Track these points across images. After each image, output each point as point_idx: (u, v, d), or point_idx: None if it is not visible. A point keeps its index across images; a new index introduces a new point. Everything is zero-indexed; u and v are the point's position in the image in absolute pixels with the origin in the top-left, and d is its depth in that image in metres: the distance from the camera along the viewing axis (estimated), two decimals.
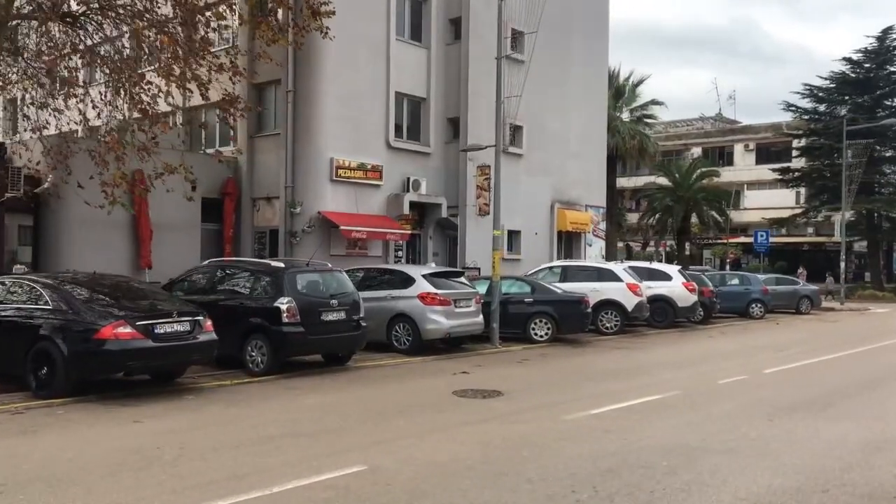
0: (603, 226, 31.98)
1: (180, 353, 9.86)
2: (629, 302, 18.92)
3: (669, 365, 14.02)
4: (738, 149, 62.10)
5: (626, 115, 39.89)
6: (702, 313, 23.08)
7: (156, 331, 9.48)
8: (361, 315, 12.08)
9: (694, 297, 21.13)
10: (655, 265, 22.13)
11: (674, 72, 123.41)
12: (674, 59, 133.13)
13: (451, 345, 15.31)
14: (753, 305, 26.18)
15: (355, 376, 11.69)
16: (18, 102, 19.44)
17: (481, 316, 14.98)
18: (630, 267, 21.44)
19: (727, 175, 60.32)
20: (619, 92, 39.65)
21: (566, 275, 19.74)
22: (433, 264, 16.20)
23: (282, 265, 11.92)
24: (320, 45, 22.57)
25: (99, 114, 17.75)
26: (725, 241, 46.77)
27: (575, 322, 16.93)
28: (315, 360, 12.71)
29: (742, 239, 58.69)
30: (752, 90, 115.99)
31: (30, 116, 18.21)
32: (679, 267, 22.22)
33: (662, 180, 47.43)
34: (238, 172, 24.26)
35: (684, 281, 21.21)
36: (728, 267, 43.87)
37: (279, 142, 23.03)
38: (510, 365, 13.41)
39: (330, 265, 12.48)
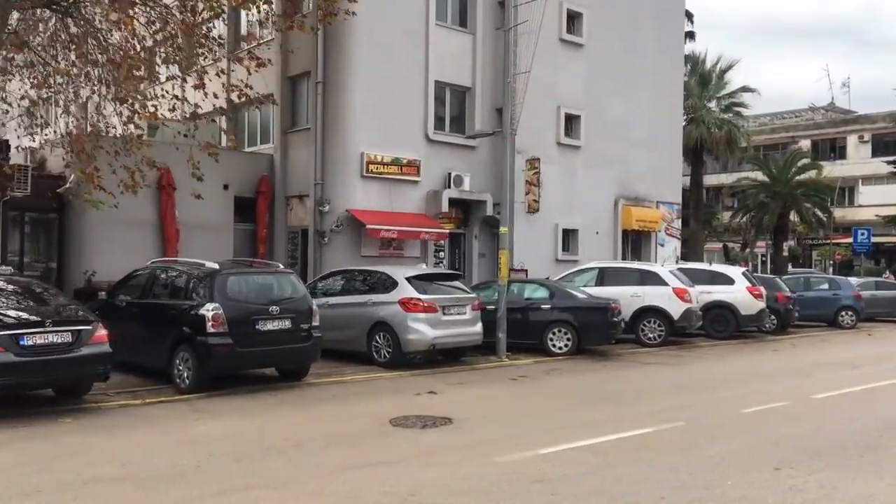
0: (678, 224, 29.16)
1: (56, 369, 8.52)
2: (675, 309, 16.48)
3: (697, 386, 11.72)
4: (852, 140, 56.83)
5: (713, 105, 36.62)
6: (775, 322, 20.22)
7: (22, 342, 8.20)
8: (314, 324, 10.46)
9: (761, 304, 18.36)
10: (717, 267, 19.47)
11: (799, 64, 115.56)
12: (798, 52, 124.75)
13: (450, 357, 13.50)
14: (843, 313, 22.88)
15: (295, 396, 10.11)
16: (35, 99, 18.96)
17: (479, 324, 13.07)
18: (684, 269, 18.95)
19: (839, 169, 55.28)
20: (705, 79, 36.49)
21: (603, 278, 17.48)
22: (424, 266, 14.41)
23: (216, 266, 10.49)
24: (351, 33, 21.26)
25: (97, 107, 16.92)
26: (830, 241, 42.42)
27: (599, 332, 14.73)
28: (269, 375, 11.21)
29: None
30: (876, 80, 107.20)
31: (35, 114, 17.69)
32: (744, 269, 19.46)
33: (760, 176, 43.51)
34: (273, 170, 23.23)
35: (749, 285, 18.48)
36: (832, 270, 39.76)
37: (310, 137, 21.80)
38: (499, 383, 11.49)
39: (281, 266, 10.93)
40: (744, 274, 18.75)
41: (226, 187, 22.47)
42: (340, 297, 13.08)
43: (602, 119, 26.19)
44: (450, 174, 23.04)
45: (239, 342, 9.83)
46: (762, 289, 18.63)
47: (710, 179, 58.73)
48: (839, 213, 55.40)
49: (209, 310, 9.76)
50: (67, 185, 20.06)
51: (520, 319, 14.81)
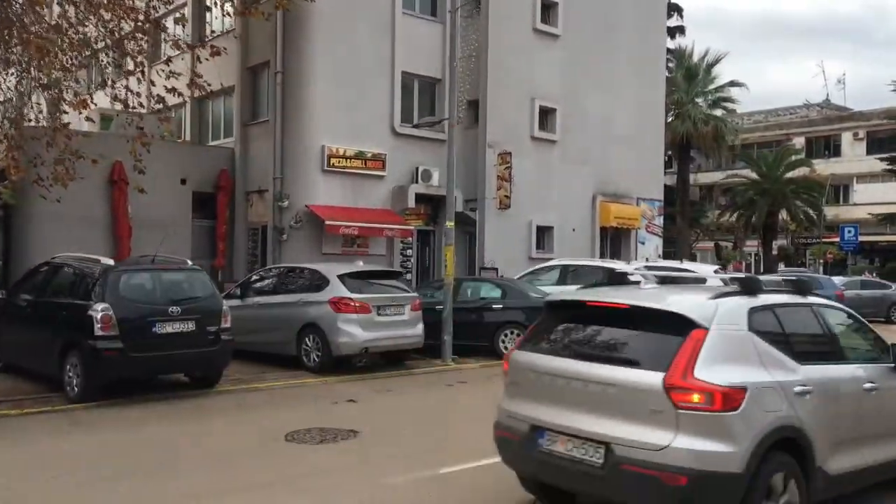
0: (660, 221, 28.26)
1: None
2: None
3: None
4: (847, 138, 55.77)
5: (700, 100, 35.71)
6: None
7: None
8: (224, 326, 9.58)
9: None
10: (687, 265, 18.56)
11: (801, 63, 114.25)
12: (801, 50, 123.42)
13: (393, 361, 12.62)
14: None
15: (194, 406, 9.21)
16: None
17: (420, 326, 12.17)
18: (652, 267, 18.02)
19: (833, 167, 54.27)
20: (692, 73, 35.58)
21: (565, 276, 16.57)
22: (360, 263, 13.53)
23: (110, 262, 9.63)
24: (311, 21, 20.43)
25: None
26: (822, 240, 41.49)
27: None
28: (180, 381, 10.33)
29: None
30: (872, 77, 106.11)
31: None
32: (716, 267, 18.54)
33: (751, 174, 42.55)
34: (233, 164, 22.36)
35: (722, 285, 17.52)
36: (821, 269, 38.86)
37: (270, 129, 20.94)
38: (431, 390, 10.62)
39: (190, 262, 10.06)
40: (716, 272, 17.83)
41: (183, 182, 21.63)
42: (271, 296, 12.22)
43: (579, 112, 25.30)
44: (417, 169, 22.19)
45: (132, 346, 8.93)
46: None
47: (704, 178, 57.92)
48: (833, 212, 54.41)
49: (98, 310, 8.87)
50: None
51: (472, 320, 13.92)
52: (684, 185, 36.99)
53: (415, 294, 12.26)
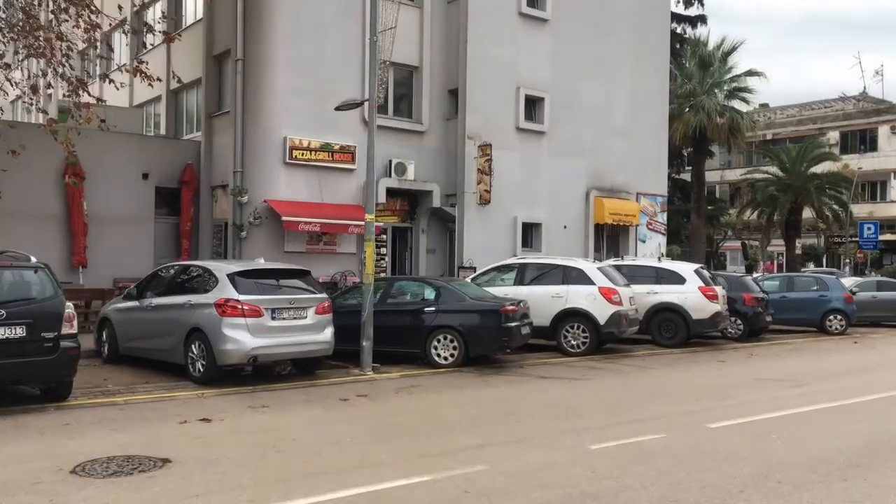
0: (662, 218, 26.54)
1: None
2: (601, 312, 14.01)
3: (565, 412, 9.33)
4: (883, 131, 53.09)
5: (716, 91, 33.71)
6: (741, 327, 17.61)
7: None
8: (68, 332, 8.38)
9: (715, 307, 15.76)
10: (666, 264, 16.91)
11: (845, 59, 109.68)
12: (847, 47, 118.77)
13: (304, 370, 11.33)
14: (831, 317, 20.03)
15: (19, 423, 7.96)
16: None
17: (328, 331, 10.84)
18: (626, 265, 16.47)
19: (869, 162, 51.68)
20: (705, 62, 33.59)
21: (523, 276, 15.09)
22: (261, 260, 12.25)
23: None
24: (273, 5, 19.33)
25: None
26: (850, 239, 39.11)
27: (489, 339, 12.36)
28: (29, 394, 9.16)
29: (888, 236, 50.02)
30: None
31: None
32: (697, 266, 16.87)
33: (775, 170, 40.35)
34: (199, 158, 21.34)
35: (702, 285, 15.91)
36: (848, 269, 36.56)
37: (232, 120, 19.83)
38: (317, 406, 9.23)
39: (35, 259, 8.87)
40: (697, 272, 16.19)
41: (145, 177, 20.68)
42: (164, 297, 11.04)
43: (571, 102, 23.74)
44: (391, 162, 20.93)
45: None
46: (718, 289, 16.03)
47: (731, 174, 55.59)
48: (868, 209, 51.78)
49: None
50: None
51: (402, 325, 12.58)
52: (699, 180, 35.01)
53: (322, 296, 10.93)
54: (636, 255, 24.55)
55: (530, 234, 23.10)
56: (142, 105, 25.67)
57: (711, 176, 56.87)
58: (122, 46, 26.65)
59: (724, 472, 6.71)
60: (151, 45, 23.17)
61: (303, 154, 19.50)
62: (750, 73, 33.66)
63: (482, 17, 21.80)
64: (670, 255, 38.93)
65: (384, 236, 21.49)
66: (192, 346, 10.14)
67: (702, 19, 43.58)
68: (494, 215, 21.91)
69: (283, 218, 18.38)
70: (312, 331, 10.59)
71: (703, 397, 10.40)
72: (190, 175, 20.96)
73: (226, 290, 10.10)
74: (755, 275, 29.28)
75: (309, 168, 19.65)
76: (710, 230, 47.63)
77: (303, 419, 8.50)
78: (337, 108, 13.17)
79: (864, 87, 61.27)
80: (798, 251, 37.86)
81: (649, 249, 25.58)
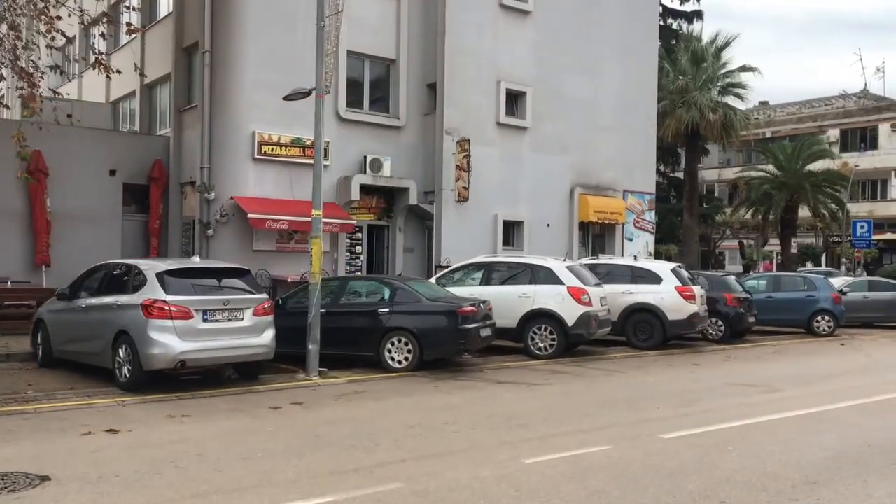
0: (650, 216, 25.85)
1: None
2: (569, 313, 13.37)
3: (512, 421, 8.66)
4: (884, 129, 52.29)
5: (709, 86, 32.97)
6: (722, 329, 16.93)
7: None
8: None
9: (692, 307, 15.09)
10: (642, 263, 16.22)
11: (851, 57, 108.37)
12: (854, 46, 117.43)
13: (246, 375, 10.70)
14: (819, 318, 19.33)
15: None
16: None
17: (268, 333, 10.19)
18: (601, 264, 15.84)
19: (869, 160, 50.89)
20: (698, 57, 32.86)
21: (490, 275, 14.44)
22: (196, 258, 11.62)
23: None
24: None
25: None
26: (847, 238, 38.34)
27: (444, 342, 11.71)
28: None
29: (888, 235, 49.22)
30: None
31: None
32: (674, 265, 16.20)
33: (771, 168, 39.57)
34: (168, 154, 20.75)
35: (679, 284, 15.24)
36: (844, 268, 35.78)
37: (200, 115, 19.23)
38: (242, 415, 8.60)
39: None
40: (674, 271, 15.51)
41: (112, 173, 20.10)
42: (95, 297, 10.42)
43: (555, 97, 23.08)
44: (366, 158, 20.30)
45: None
46: (696, 289, 15.35)
47: (729, 173, 54.76)
48: (868, 208, 50.97)
49: None
50: None
51: (354, 326, 11.94)
52: (692, 178, 34.28)
53: (261, 296, 10.28)
54: (623, 254, 23.90)
55: (512, 232, 22.45)
56: (118, 101, 25.17)
57: (710, 174, 56.24)
58: (99, 41, 26.09)
59: (664, 489, 6.07)
60: (127, 38, 22.69)
61: (272, 149, 18.88)
62: (744, 68, 32.94)
63: (461, 9, 21.16)
64: (667, 254, 38.33)
65: (360, 235, 20.93)
66: (120, 349, 9.53)
67: (698, 15, 43.01)
68: (474, 213, 21.27)
69: (250, 215, 17.77)
70: (249, 333, 9.96)
71: (665, 404, 9.74)
72: (159, 171, 20.38)
73: (153, 291, 9.48)
74: (753, 275, 28.60)
75: (279, 164, 19.03)
76: (707, 229, 46.94)
77: (220, 430, 7.87)
78: (285, 98, 12.60)
79: (866, 85, 60.54)
80: (794, 250, 37.10)
81: (637, 248, 24.89)
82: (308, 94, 12.25)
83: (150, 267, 9.97)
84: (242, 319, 9.91)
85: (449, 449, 7.33)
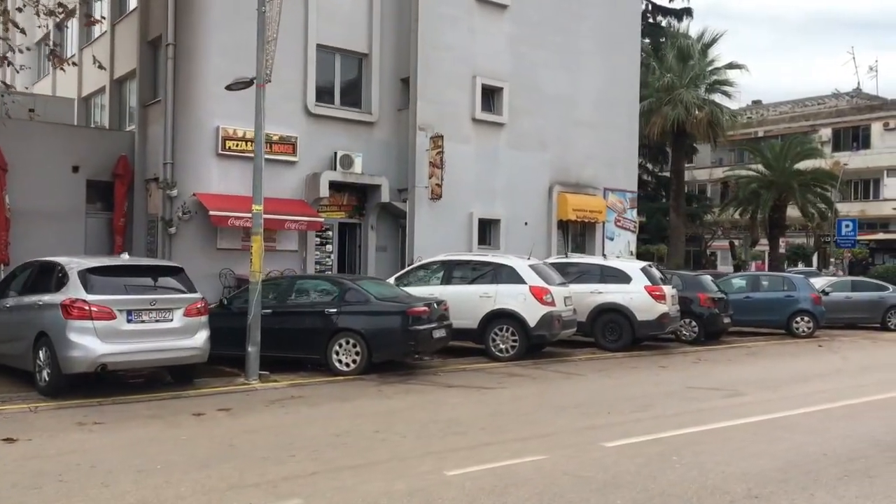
0: (632, 215, 25.34)
1: None
2: (531, 314, 12.86)
3: (445, 428, 8.20)
4: (876, 128, 51.78)
5: (695, 83, 32.45)
6: (696, 329, 16.42)
7: None
8: None
9: (662, 308, 14.57)
10: (611, 262, 15.69)
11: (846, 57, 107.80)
12: (850, 46, 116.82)
13: (179, 378, 10.17)
14: (798, 319, 18.83)
15: None
16: None
17: (200, 335, 9.64)
18: (569, 263, 15.32)
19: (861, 160, 50.37)
20: (685, 54, 32.34)
21: (451, 274, 13.92)
22: (126, 255, 11.09)
23: None
24: None
25: None
26: (830, 237, 37.79)
27: (393, 344, 11.19)
28: None
29: (880, 235, 48.71)
30: None
31: None
32: (644, 264, 15.69)
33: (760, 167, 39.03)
34: (133, 150, 20.20)
35: (648, 284, 14.73)
36: (833, 268, 35.26)
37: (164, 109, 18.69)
38: (157, 423, 8.08)
39: None
40: (644, 270, 15.00)
41: (75, 169, 19.54)
42: (19, 297, 9.89)
43: (533, 93, 22.56)
44: (336, 154, 19.77)
45: None
46: (666, 289, 14.84)
47: (719, 172, 54.23)
48: (860, 208, 50.50)
49: None
50: None
51: (300, 327, 11.43)
52: (678, 176, 33.76)
53: (194, 296, 9.74)
54: (603, 254, 23.36)
55: (488, 230, 21.92)
56: (89, 97, 24.64)
57: (701, 174, 55.74)
58: (73, 36, 25.61)
59: None
60: (97, 32, 22.25)
61: (237, 145, 18.36)
62: (731, 65, 32.46)
63: (436, 2, 20.64)
64: (658, 254, 37.82)
65: (330, 233, 20.41)
66: (40, 352, 9.00)
67: (687, 12, 42.51)
68: (448, 211, 20.74)
69: (211, 213, 17.25)
70: (180, 335, 9.42)
71: (617, 409, 9.22)
72: (124, 168, 19.84)
73: (75, 290, 8.95)
74: (732, 274, 28.03)
75: (244, 160, 18.40)
76: (697, 229, 46.45)
77: (128, 439, 7.34)
78: (227, 88, 12.10)
79: (859, 84, 60.05)
80: (783, 250, 36.58)
81: (618, 247, 24.39)
82: (250, 83, 11.74)
83: (73, 265, 9.43)
84: (172, 320, 9.38)
85: (369, 460, 6.81)
